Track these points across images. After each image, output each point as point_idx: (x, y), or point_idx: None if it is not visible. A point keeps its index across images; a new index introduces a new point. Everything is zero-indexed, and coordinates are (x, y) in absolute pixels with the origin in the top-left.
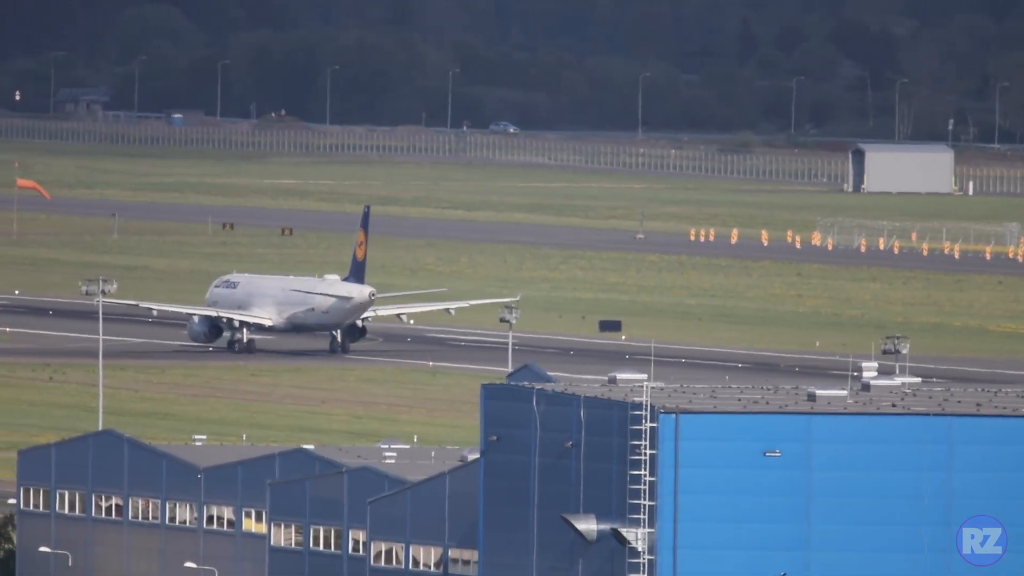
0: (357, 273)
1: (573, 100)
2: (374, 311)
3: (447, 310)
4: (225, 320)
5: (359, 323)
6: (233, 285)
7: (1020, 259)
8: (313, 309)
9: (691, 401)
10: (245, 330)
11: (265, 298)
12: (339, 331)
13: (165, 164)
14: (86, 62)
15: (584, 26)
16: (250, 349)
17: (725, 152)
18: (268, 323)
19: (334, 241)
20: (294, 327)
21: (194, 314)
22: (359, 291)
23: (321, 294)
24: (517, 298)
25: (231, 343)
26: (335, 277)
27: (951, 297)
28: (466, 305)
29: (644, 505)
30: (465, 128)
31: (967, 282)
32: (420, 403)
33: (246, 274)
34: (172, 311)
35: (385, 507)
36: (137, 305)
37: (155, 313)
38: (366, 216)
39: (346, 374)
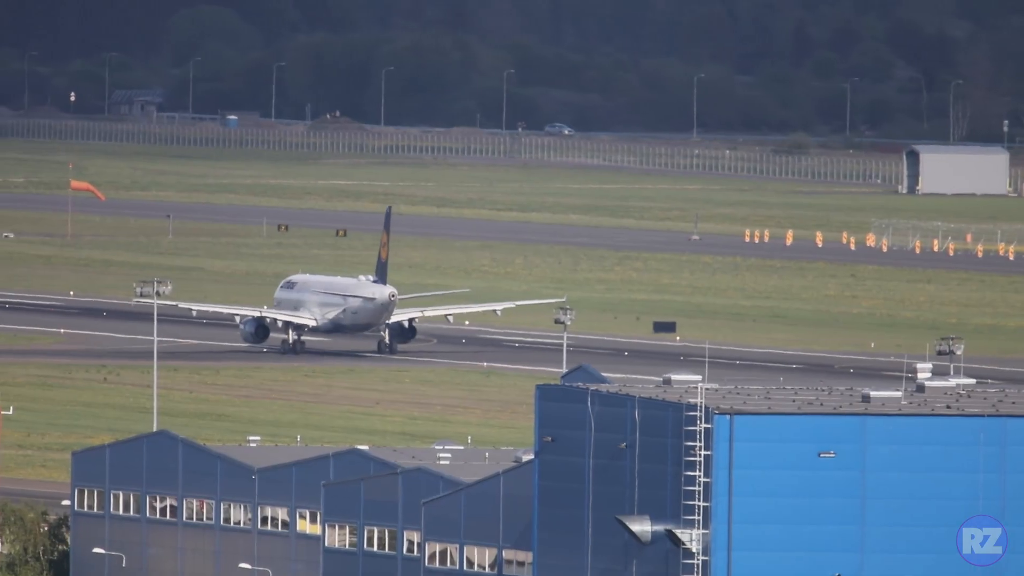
0: (381, 274)
1: (628, 101)
2: (422, 311)
3: (494, 311)
4: (270, 320)
5: (406, 323)
6: (292, 285)
7: None
8: (345, 310)
9: (745, 402)
10: (291, 331)
11: (312, 298)
12: (386, 331)
13: (220, 165)
14: (141, 63)
15: (639, 27)
16: (296, 350)
17: (780, 153)
18: (312, 323)
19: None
20: (335, 328)
21: (236, 314)
22: (380, 292)
23: (350, 295)
24: (564, 299)
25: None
26: (367, 278)
27: (1006, 298)
28: (512, 306)
29: (698, 506)
30: (520, 129)
31: (1022, 284)
32: (474, 404)
33: (304, 275)
34: (212, 311)
35: (439, 508)
36: (176, 305)
37: (194, 313)
38: (388, 217)
39: (401, 375)
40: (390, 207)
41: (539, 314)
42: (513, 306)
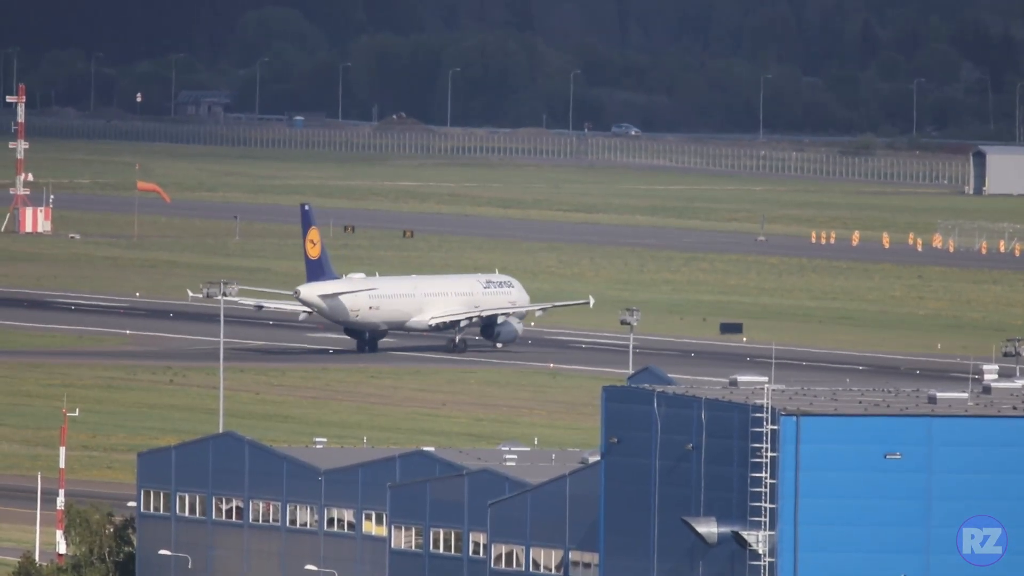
0: (314, 273)
1: (694, 102)
2: (479, 311)
3: (534, 312)
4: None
5: (447, 322)
6: None
7: None
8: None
9: (812, 403)
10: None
11: None
12: (456, 330)
13: (286, 166)
14: (207, 64)
15: (706, 28)
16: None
17: (846, 154)
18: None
19: (455, 243)
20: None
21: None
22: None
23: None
24: (588, 300)
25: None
26: (360, 275)
27: None
28: (548, 306)
29: (765, 508)
30: (587, 130)
31: None
32: (541, 405)
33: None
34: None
35: (506, 509)
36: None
37: (260, 308)
38: (308, 214)
39: (467, 376)
40: (306, 204)
41: (605, 315)
42: (550, 306)
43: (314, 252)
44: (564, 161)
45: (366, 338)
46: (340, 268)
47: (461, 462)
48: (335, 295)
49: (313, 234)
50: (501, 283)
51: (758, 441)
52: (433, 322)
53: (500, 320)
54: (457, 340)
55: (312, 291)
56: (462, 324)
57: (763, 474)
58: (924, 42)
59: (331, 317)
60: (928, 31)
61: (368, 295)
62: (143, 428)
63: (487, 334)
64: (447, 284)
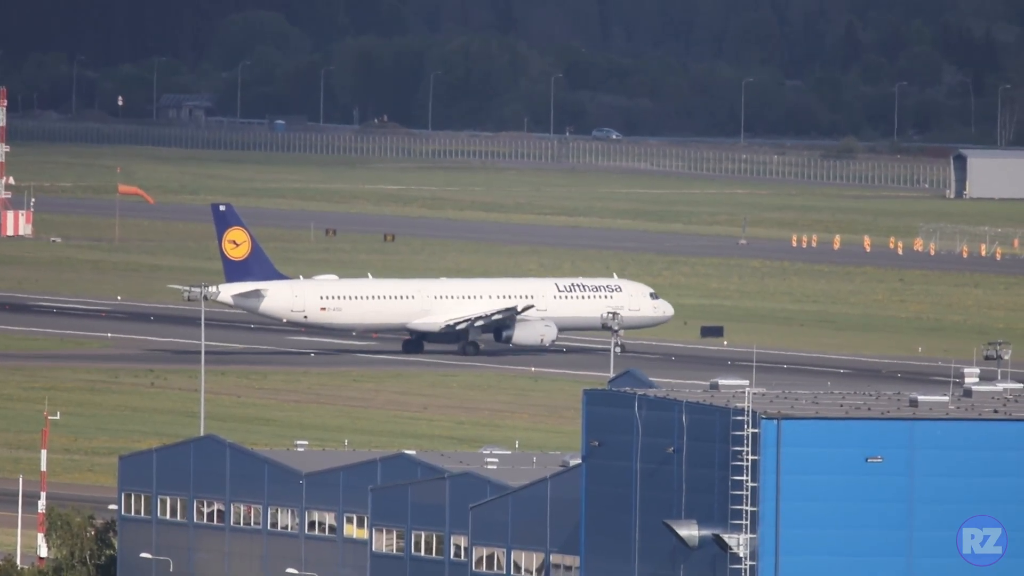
0: (235, 273)
1: (676, 106)
2: (483, 314)
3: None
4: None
5: (452, 325)
6: None
7: None
8: None
9: (793, 407)
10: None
11: None
12: (468, 332)
13: (268, 170)
14: (190, 67)
15: (688, 31)
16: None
17: (828, 158)
18: None
19: (437, 246)
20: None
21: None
22: None
23: None
24: (537, 307)
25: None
26: (332, 276)
27: None
28: (498, 310)
29: (746, 511)
30: (568, 134)
31: None
32: (522, 409)
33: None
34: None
35: (487, 512)
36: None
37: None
38: (228, 213)
39: (448, 380)
40: (221, 204)
41: None
42: (499, 311)
43: (238, 252)
44: (545, 165)
45: (414, 340)
46: (324, 272)
47: (442, 465)
48: (251, 294)
49: (237, 235)
50: (597, 287)
51: (739, 444)
52: (445, 324)
53: (529, 320)
54: (468, 341)
55: (226, 291)
56: (460, 327)
57: (744, 477)
58: (906, 45)
59: (261, 315)
60: (910, 34)
61: (320, 296)
62: (125, 431)
63: (496, 337)
64: (492, 287)
